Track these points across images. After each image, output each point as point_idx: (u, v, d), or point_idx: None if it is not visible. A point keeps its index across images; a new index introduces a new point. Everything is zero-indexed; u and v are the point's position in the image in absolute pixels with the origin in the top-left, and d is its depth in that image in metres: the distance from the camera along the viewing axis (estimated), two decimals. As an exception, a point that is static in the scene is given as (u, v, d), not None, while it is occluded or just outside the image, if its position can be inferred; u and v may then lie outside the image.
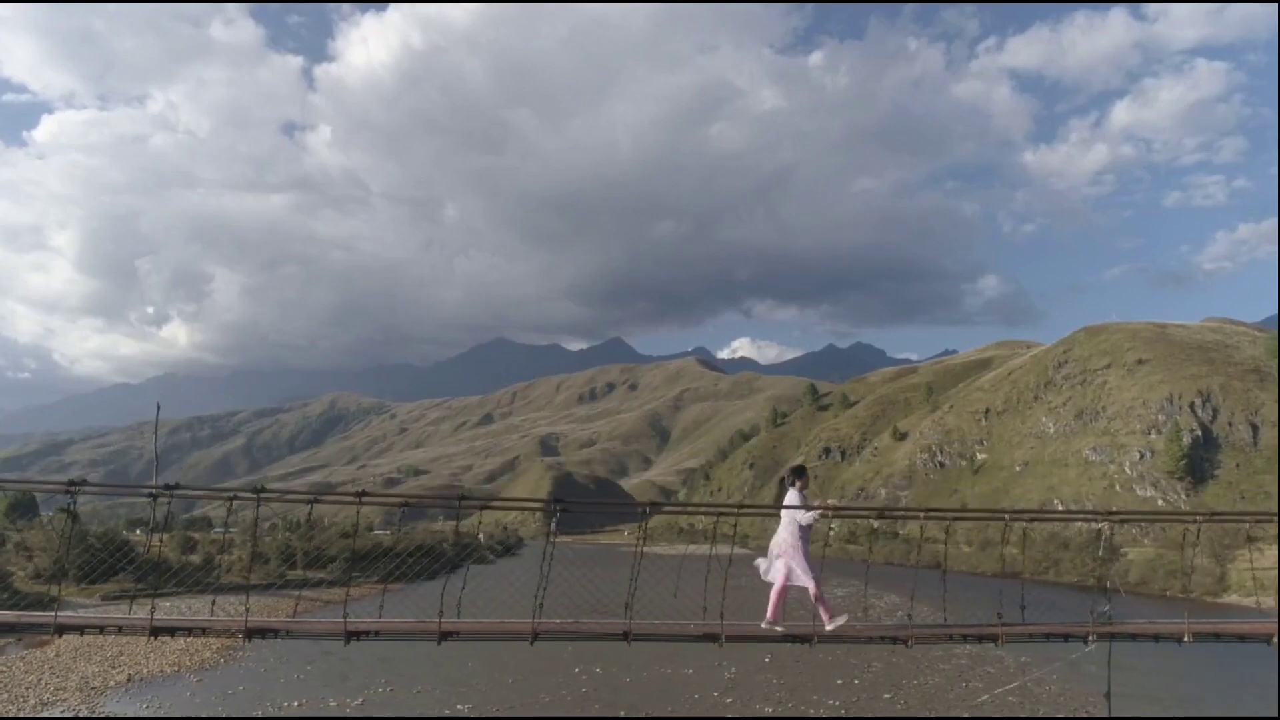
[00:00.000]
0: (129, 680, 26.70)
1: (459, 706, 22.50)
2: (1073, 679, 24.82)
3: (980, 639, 12.11)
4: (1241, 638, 12.55)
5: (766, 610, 10.45)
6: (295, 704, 23.13)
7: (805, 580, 10.14)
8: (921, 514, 12.67)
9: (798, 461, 11.79)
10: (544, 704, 23.02)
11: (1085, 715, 15.77)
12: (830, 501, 11.68)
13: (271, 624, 10.99)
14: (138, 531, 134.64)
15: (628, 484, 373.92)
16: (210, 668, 28.10)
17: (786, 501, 10.30)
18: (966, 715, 14.56)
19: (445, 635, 10.80)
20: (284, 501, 14.58)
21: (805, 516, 10.35)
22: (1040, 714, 21.66)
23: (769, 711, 22.18)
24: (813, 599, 10.30)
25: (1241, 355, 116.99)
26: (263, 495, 10.89)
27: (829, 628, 10.20)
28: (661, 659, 26.71)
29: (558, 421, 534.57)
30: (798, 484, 10.55)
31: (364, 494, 12.13)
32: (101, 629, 11.64)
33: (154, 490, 10.62)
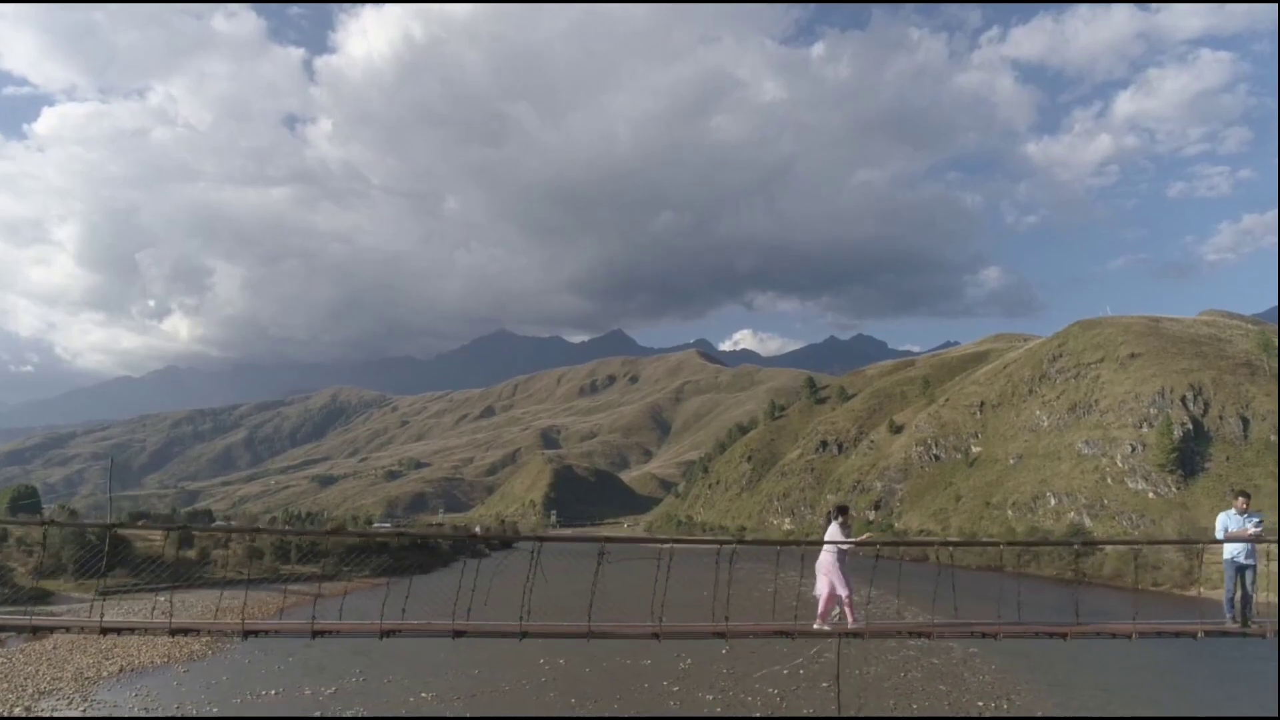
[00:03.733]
0: (121, 671, 27.68)
1: (423, 695, 23.47)
2: (1006, 671, 26.10)
3: (984, 636, 14.08)
4: (1177, 634, 13.71)
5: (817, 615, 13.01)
6: (273, 692, 24.11)
7: (841, 590, 12.58)
8: (1001, 544, 14.08)
9: (843, 502, 14.99)
10: (504, 692, 23.99)
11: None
12: (867, 536, 13.43)
13: (195, 624, 12.02)
14: (140, 523, 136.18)
15: (628, 476, 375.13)
16: (198, 659, 29.08)
17: (830, 534, 12.65)
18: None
19: (385, 634, 11.91)
20: (211, 531, 15.42)
21: (837, 549, 12.77)
22: (986, 710, 22.56)
23: (709, 699, 23.09)
24: (845, 603, 12.72)
25: (1234, 349, 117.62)
26: (191, 528, 11.78)
27: (851, 626, 12.71)
28: (622, 650, 27.64)
29: (559, 414, 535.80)
30: (841, 519, 12.95)
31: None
32: (52, 630, 12.71)
33: (107, 525, 11.57)
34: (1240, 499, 12.82)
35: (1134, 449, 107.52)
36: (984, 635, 13.27)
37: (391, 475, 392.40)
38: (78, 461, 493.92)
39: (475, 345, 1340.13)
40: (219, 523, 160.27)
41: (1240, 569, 12.37)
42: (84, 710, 22.88)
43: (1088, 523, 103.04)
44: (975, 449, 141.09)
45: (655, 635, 12.12)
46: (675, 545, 12.80)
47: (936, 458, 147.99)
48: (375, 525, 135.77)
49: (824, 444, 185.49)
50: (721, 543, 13.65)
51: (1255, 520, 12.54)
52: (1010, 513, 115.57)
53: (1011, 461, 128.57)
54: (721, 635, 12.56)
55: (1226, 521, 12.73)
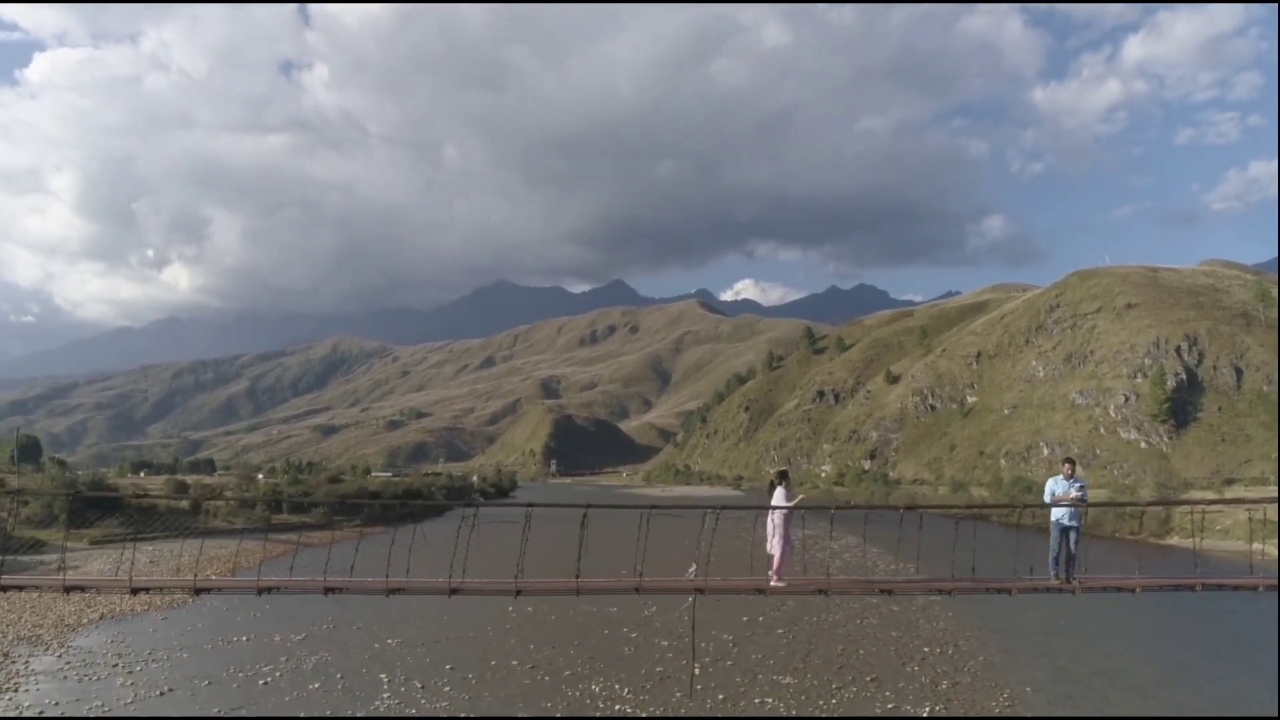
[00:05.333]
0: (101, 618, 28.03)
1: (389, 641, 23.77)
2: (960, 618, 26.72)
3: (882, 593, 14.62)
4: (1172, 588, 14.28)
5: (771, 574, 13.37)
6: (244, 639, 24.44)
7: (780, 549, 13.07)
8: (1021, 506, 13.96)
9: (783, 467, 15.57)
10: (468, 638, 24.30)
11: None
12: (800, 498, 13.74)
13: (159, 582, 12.06)
14: (141, 474, 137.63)
15: (627, 426, 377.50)
16: (178, 607, 29.44)
17: (774, 499, 13.21)
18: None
19: (329, 590, 12.04)
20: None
21: (783, 512, 13.33)
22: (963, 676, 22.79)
23: (664, 645, 23.38)
24: (777, 560, 13.11)
25: (1231, 299, 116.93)
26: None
27: (773, 584, 13.11)
28: (589, 598, 27.92)
29: (559, 364, 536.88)
30: (783, 484, 13.51)
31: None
32: (21, 588, 12.73)
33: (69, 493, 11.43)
34: (1067, 465, 13.47)
35: (1127, 399, 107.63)
36: (882, 592, 13.55)
37: (393, 425, 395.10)
38: (80, 411, 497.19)
39: (476, 295, 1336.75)
40: (220, 472, 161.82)
41: (1065, 530, 12.99)
42: (60, 655, 23.23)
43: (1080, 472, 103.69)
44: (971, 399, 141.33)
45: (637, 590, 12.66)
46: (653, 510, 12.95)
47: (932, 408, 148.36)
48: (372, 475, 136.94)
49: (821, 394, 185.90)
50: (706, 508, 13.91)
51: (1078, 485, 13.13)
52: (1003, 462, 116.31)
53: (1006, 412, 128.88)
54: (700, 591, 13.08)
55: (1054, 486, 13.29)
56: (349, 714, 16.33)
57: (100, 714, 17.69)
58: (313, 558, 19.21)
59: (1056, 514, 13.10)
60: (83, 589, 13.65)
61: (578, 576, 12.51)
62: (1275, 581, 14.92)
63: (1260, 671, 21.54)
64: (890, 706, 17.97)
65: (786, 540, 13.19)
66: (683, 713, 17.47)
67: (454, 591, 12.42)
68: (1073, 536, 12.98)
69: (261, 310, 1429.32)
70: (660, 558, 13.64)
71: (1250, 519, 43.41)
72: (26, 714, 18.04)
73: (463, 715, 14.98)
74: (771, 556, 13.35)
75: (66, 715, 15.53)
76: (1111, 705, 18.37)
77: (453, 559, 11.76)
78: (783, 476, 13.88)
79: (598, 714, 17.52)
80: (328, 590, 12.60)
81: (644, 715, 13.94)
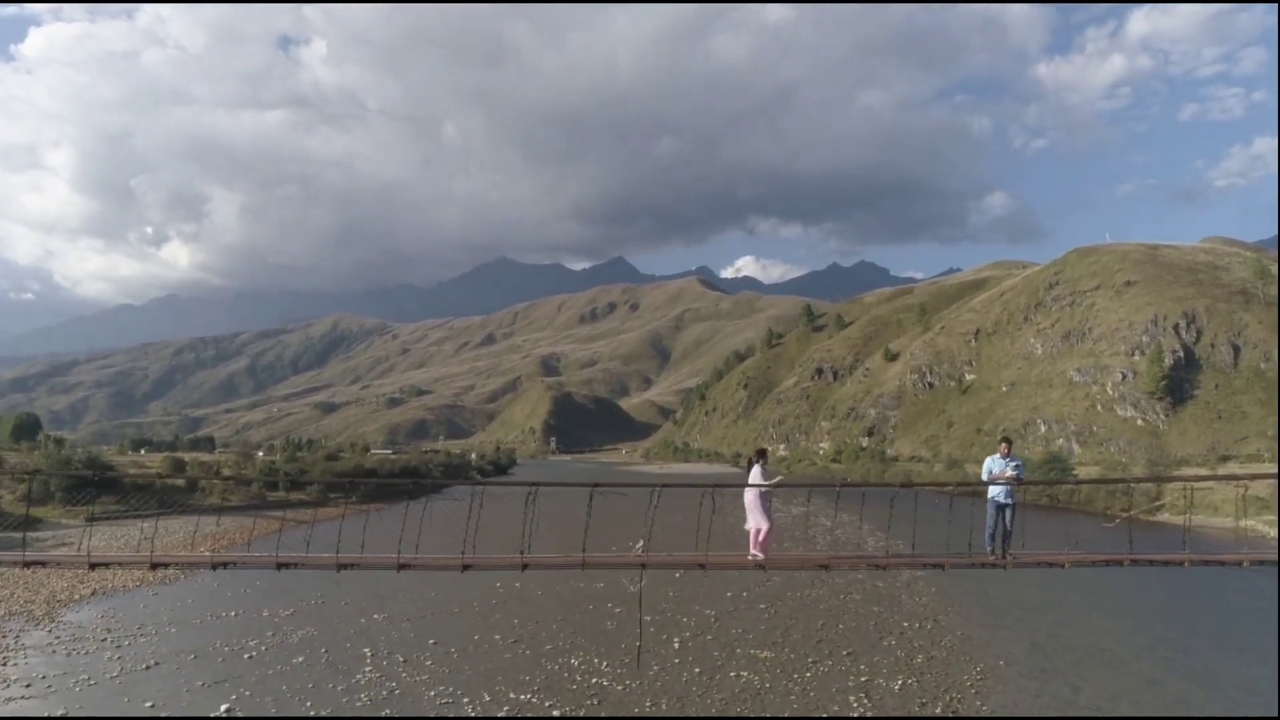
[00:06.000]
0: (94, 593, 28.27)
1: (375, 616, 24.01)
2: (945, 594, 26.94)
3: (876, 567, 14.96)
4: (1103, 563, 14.47)
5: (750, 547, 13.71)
6: (233, 614, 24.68)
7: (762, 524, 13.37)
8: (954, 485, 14.08)
9: (761, 446, 16.03)
10: (453, 614, 24.53)
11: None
12: (779, 479, 13.99)
13: (179, 558, 12.21)
14: (141, 451, 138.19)
15: (627, 404, 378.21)
16: (170, 582, 29.70)
17: (752, 477, 13.56)
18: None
19: (342, 566, 12.93)
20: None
21: (760, 489, 13.58)
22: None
23: (647, 620, 23.60)
24: (761, 537, 13.40)
25: (1230, 277, 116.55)
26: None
27: (756, 555, 13.46)
28: (577, 574, 28.15)
29: (559, 341, 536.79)
30: (761, 462, 13.80)
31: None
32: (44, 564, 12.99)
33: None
34: (1004, 444, 13.76)
35: (1125, 376, 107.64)
36: (876, 567, 13.68)
37: (393, 402, 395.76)
38: (81, 389, 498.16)
39: (476, 273, 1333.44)
40: (220, 450, 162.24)
41: (1000, 507, 13.26)
42: (50, 630, 23.49)
43: (1076, 449, 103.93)
44: (969, 376, 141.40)
45: (643, 565, 12.95)
46: (663, 487, 13.17)
47: (930, 385, 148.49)
48: (371, 452, 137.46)
49: (820, 371, 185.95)
50: (705, 486, 14.13)
51: (1014, 464, 13.42)
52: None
53: (1004, 389, 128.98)
54: (702, 566, 13.34)
55: (991, 465, 13.58)
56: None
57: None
58: (314, 534, 19.27)
59: (993, 492, 13.35)
60: (107, 565, 13.92)
61: (523, 552, 12.78)
62: (1260, 557, 15.14)
63: (1240, 646, 21.78)
64: (864, 680, 18.17)
65: (765, 516, 13.44)
66: (659, 686, 17.69)
67: (466, 568, 12.75)
68: (1008, 513, 13.27)
69: (261, 288, 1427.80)
70: (658, 535, 13.89)
71: (1243, 496, 43.70)
72: (14, 686, 18.30)
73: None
74: (748, 532, 13.61)
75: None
76: (1082, 679, 18.55)
77: (464, 536, 11.98)
78: (761, 455, 14.19)
79: (574, 687, 17.75)
80: (340, 566, 12.93)
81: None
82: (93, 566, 13.48)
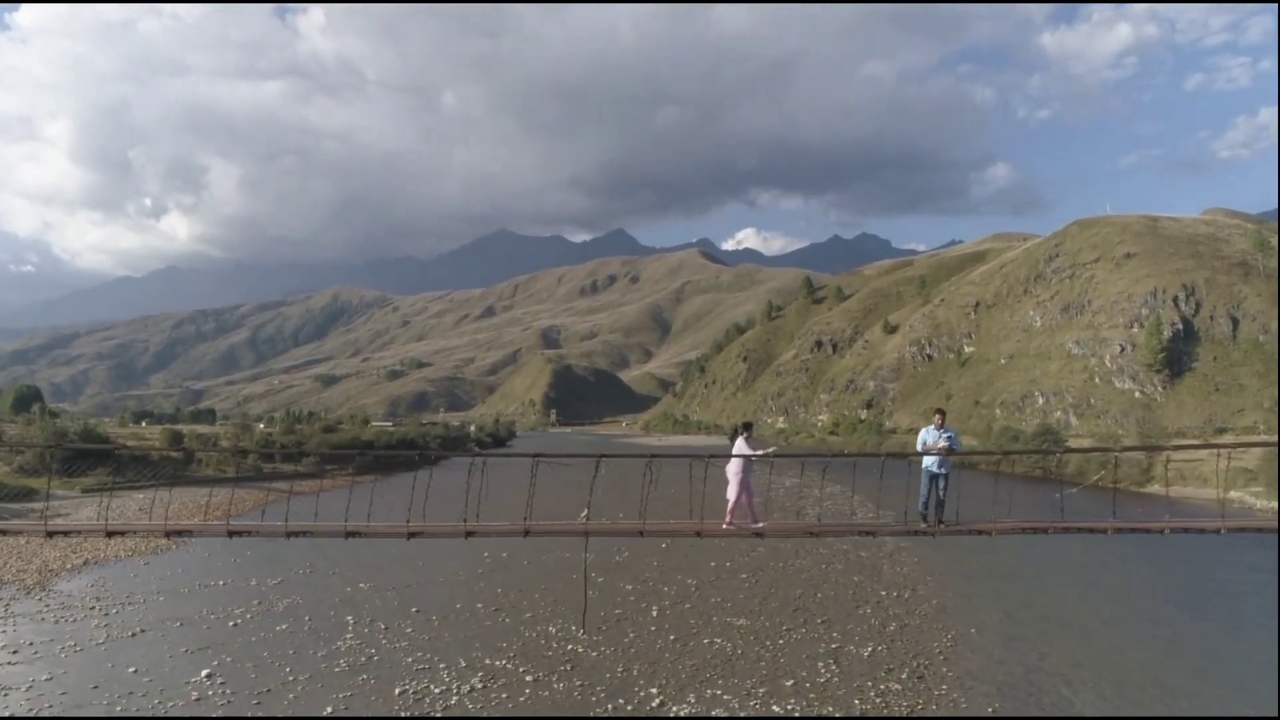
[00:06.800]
0: (85, 563, 28.62)
1: (361, 585, 24.34)
2: (926, 562, 27.19)
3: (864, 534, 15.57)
4: (1030, 530, 14.50)
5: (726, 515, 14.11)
6: (221, 583, 25.02)
7: (745, 496, 13.75)
8: (884, 456, 14.26)
9: (747, 419, 16.59)
10: (439, 583, 24.86)
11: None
12: (771, 449, 14.29)
13: (135, 526, 12.45)
14: (143, 423, 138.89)
15: (627, 376, 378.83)
16: (161, 552, 30.08)
17: (736, 448, 13.96)
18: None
19: (350, 534, 13.19)
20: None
21: (742, 460, 13.99)
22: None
23: (628, 589, 23.93)
24: (746, 505, 13.85)
25: (1231, 248, 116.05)
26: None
27: (755, 527, 13.97)
28: (562, 544, 28.45)
29: (559, 314, 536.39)
30: (746, 434, 14.16)
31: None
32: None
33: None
34: (937, 416, 14.14)
35: (1123, 349, 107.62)
36: (810, 534, 14.21)
37: (394, 375, 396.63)
38: (82, 361, 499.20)
39: (476, 245, 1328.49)
40: (220, 422, 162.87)
41: (933, 477, 13.62)
42: (40, 599, 23.85)
43: (1073, 421, 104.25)
44: (968, 349, 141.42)
45: (640, 533, 13.29)
46: (658, 457, 13.53)
47: (929, 358, 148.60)
48: (371, 424, 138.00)
49: (819, 344, 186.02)
50: (694, 456, 14.56)
51: (947, 435, 13.80)
52: (998, 412, 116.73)
53: (1003, 361, 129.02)
54: (698, 534, 13.75)
55: (925, 436, 13.94)
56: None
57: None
58: (320, 505, 19.47)
59: (926, 462, 13.65)
60: (123, 533, 14.40)
61: (525, 519, 13.07)
62: (1237, 524, 15.31)
63: (1215, 617, 22.07)
64: (835, 646, 18.46)
65: (745, 487, 13.76)
66: (632, 652, 17.98)
67: (470, 534, 13.11)
68: (941, 483, 13.57)
69: (261, 260, 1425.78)
70: (653, 504, 14.19)
71: (1228, 465, 43.92)
72: (1, 654, 18.63)
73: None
74: (728, 501, 13.92)
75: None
76: (1049, 645, 18.85)
77: (466, 504, 12.28)
78: (747, 428, 14.54)
79: (550, 653, 18.03)
80: (349, 534, 13.26)
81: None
82: (110, 534, 13.95)
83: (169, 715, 14.46)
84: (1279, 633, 16.72)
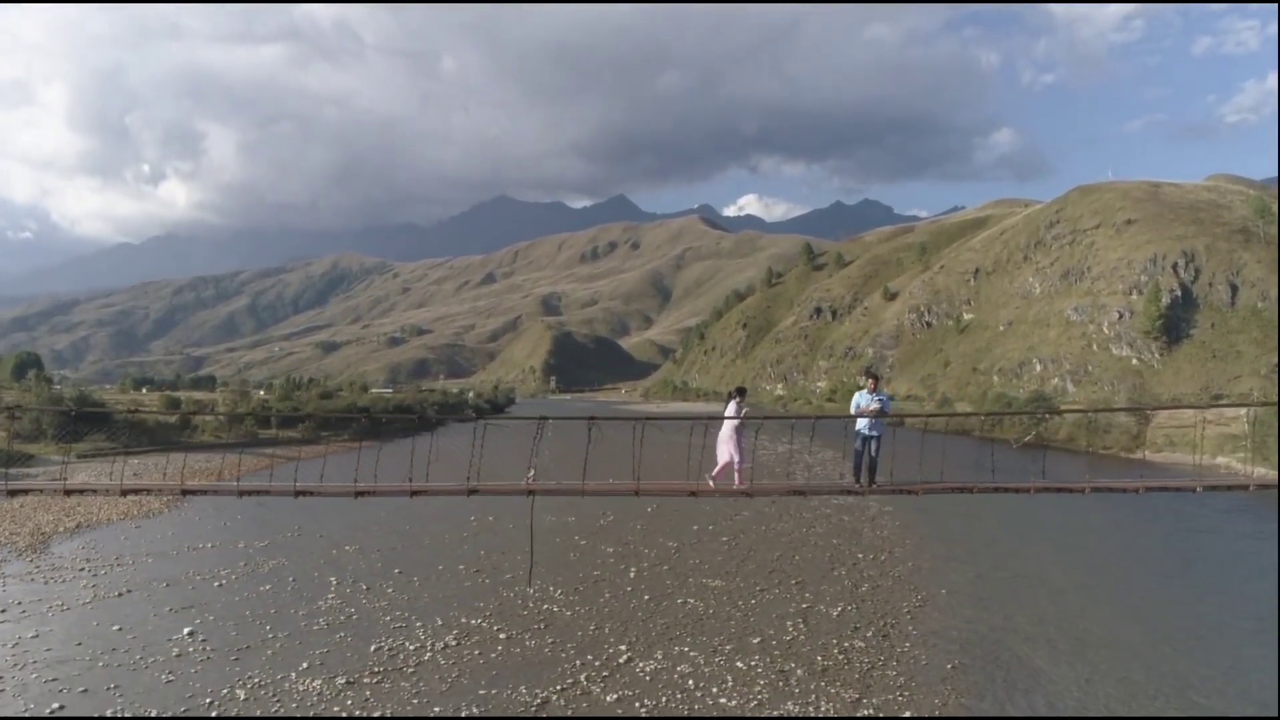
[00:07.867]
0: (78, 527, 29.04)
1: (346, 548, 24.73)
2: (907, 526, 27.59)
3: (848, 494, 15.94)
4: (905, 492, 15.06)
5: (713, 472, 14.56)
6: (209, 545, 25.43)
7: (737, 457, 14.15)
8: (816, 418, 14.56)
9: (740, 384, 16.76)
10: (424, 545, 25.24)
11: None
12: (746, 410, 14.50)
13: (150, 485, 12.74)
14: (143, 390, 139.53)
15: (628, 343, 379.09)
16: (153, 516, 30.50)
17: (729, 411, 14.39)
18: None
19: (360, 494, 13.71)
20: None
21: (734, 422, 14.41)
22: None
23: (609, 551, 24.30)
24: (738, 469, 14.21)
25: (1232, 215, 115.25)
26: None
27: (738, 486, 14.29)
28: (551, 508, 28.85)
29: (559, 281, 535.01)
30: (738, 399, 14.55)
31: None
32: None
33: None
34: (870, 380, 14.51)
35: (1121, 316, 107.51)
36: (744, 495, 14.68)
37: (394, 342, 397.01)
38: (83, 328, 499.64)
39: (476, 211, 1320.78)
40: (219, 389, 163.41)
41: (866, 439, 13.99)
42: (32, 560, 24.28)
43: (1070, 388, 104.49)
44: (967, 316, 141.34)
45: (635, 493, 13.58)
46: (649, 420, 13.88)
47: (928, 324, 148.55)
48: (370, 391, 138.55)
49: (818, 310, 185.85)
50: (695, 418, 15.11)
51: (880, 399, 14.14)
52: (996, 379, 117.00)
53: (1001, 328, 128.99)
54: (582, 493, 13.98)
55: (859, 400, 14.31)
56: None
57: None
58: (308, 469, 19.78)
59: (860, 424, 13.97)
60: (138, 491, 15.13)
61: (527, 480, 13.46)
62: (1213, 483, 15.55)
63: (1188, 580, 22.43)
64: (805, 606, 18.83)
65: (738, 449, 14.11)
66: (606, 612, 18.33)
67: (472, 492, 13.46)
68: (873, 445, 13.91)
69: (260, 226, 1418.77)
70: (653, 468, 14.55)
71: (1203, 425, 44.19)
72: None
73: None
74: (719, 462, 14.34)
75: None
76: (1016, 606, 19.20)
77: (470, 464, 12.65)
78: (740, 392, 14.88)
79: (525, 613, 18.38)
80: (358, 494, 13.59)
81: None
82: (124, 493, 14.48)
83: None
84: (1278, 629, 16.62)
